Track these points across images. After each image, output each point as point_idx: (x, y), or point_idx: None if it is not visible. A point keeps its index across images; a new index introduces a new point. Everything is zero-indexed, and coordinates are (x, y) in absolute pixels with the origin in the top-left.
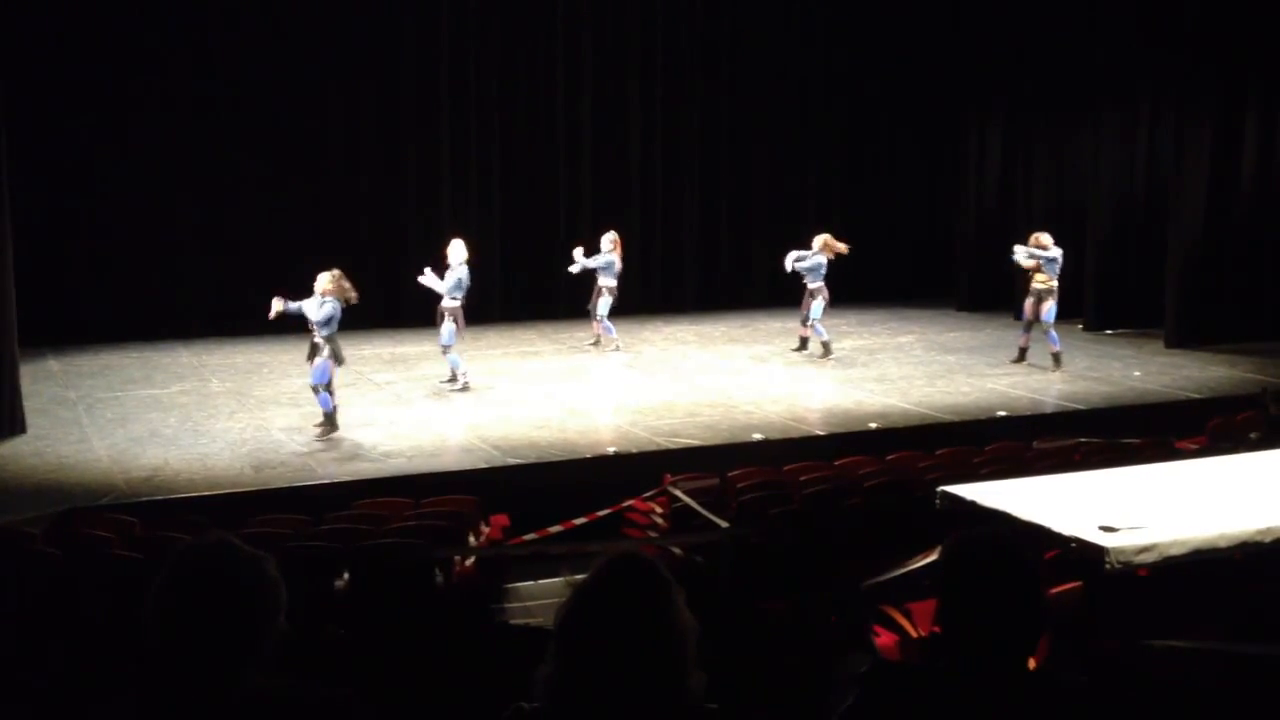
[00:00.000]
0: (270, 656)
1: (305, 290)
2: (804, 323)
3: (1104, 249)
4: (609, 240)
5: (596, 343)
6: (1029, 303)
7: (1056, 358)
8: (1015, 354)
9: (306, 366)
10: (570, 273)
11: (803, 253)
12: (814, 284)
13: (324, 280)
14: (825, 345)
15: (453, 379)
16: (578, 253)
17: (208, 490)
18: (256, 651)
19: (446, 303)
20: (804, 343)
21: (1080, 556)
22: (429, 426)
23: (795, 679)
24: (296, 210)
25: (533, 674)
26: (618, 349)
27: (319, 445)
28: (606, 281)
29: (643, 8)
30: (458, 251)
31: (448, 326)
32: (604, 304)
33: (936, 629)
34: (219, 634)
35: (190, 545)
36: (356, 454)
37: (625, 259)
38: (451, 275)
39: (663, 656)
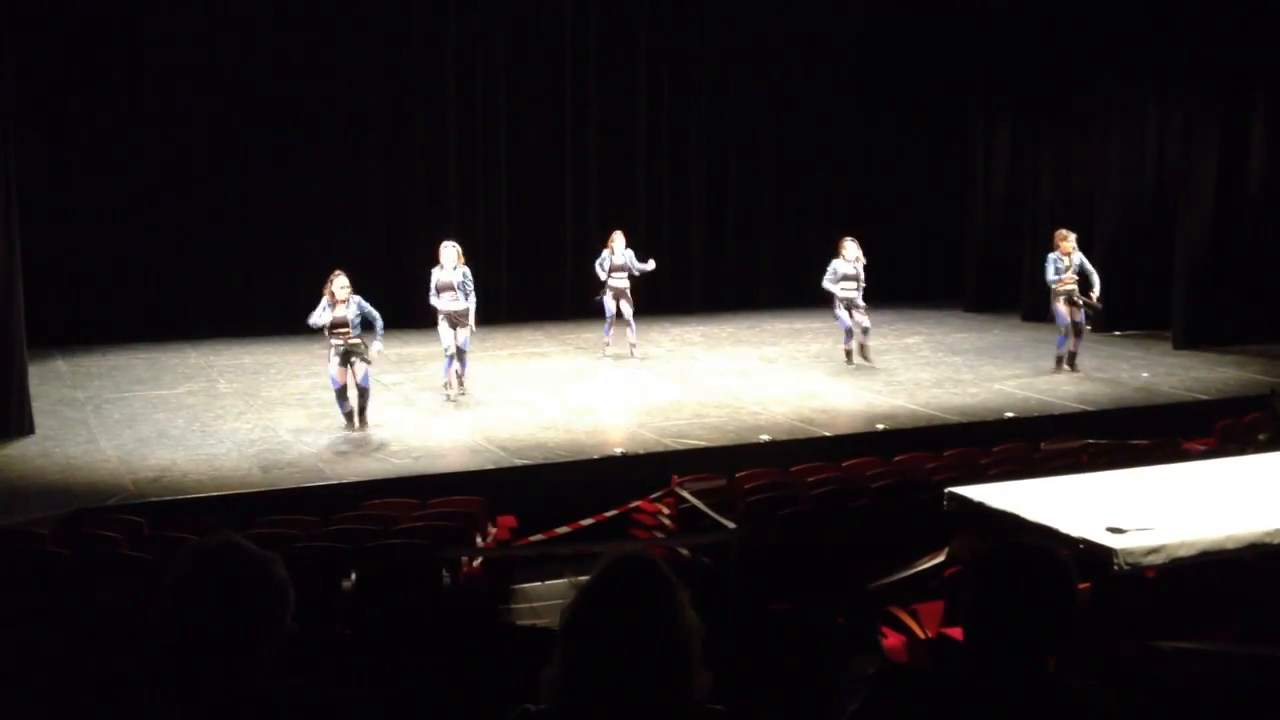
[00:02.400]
0: (278, 657)
1: (314, 293)
2: (865, 332)
3: (1112, 250)
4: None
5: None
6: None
7: (1059, 360)
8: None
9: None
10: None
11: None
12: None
13: (346, 282)
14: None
15: (460, 386)
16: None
17: (215, 491)
18: (264, 652)
19: (446, 305)
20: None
21: (1088, 558)
22: (436, 427)
23: (802, 680)
24: (304, 212)
25: (539, 675)
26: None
27: (327, 446)
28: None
29: (650, 10)
30: (451, 255)
31: (443, 329)
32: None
33: (947, 631)
34: (226, 634)
35: (197, 545)
36: (364, 454)
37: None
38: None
39: (667, 657)
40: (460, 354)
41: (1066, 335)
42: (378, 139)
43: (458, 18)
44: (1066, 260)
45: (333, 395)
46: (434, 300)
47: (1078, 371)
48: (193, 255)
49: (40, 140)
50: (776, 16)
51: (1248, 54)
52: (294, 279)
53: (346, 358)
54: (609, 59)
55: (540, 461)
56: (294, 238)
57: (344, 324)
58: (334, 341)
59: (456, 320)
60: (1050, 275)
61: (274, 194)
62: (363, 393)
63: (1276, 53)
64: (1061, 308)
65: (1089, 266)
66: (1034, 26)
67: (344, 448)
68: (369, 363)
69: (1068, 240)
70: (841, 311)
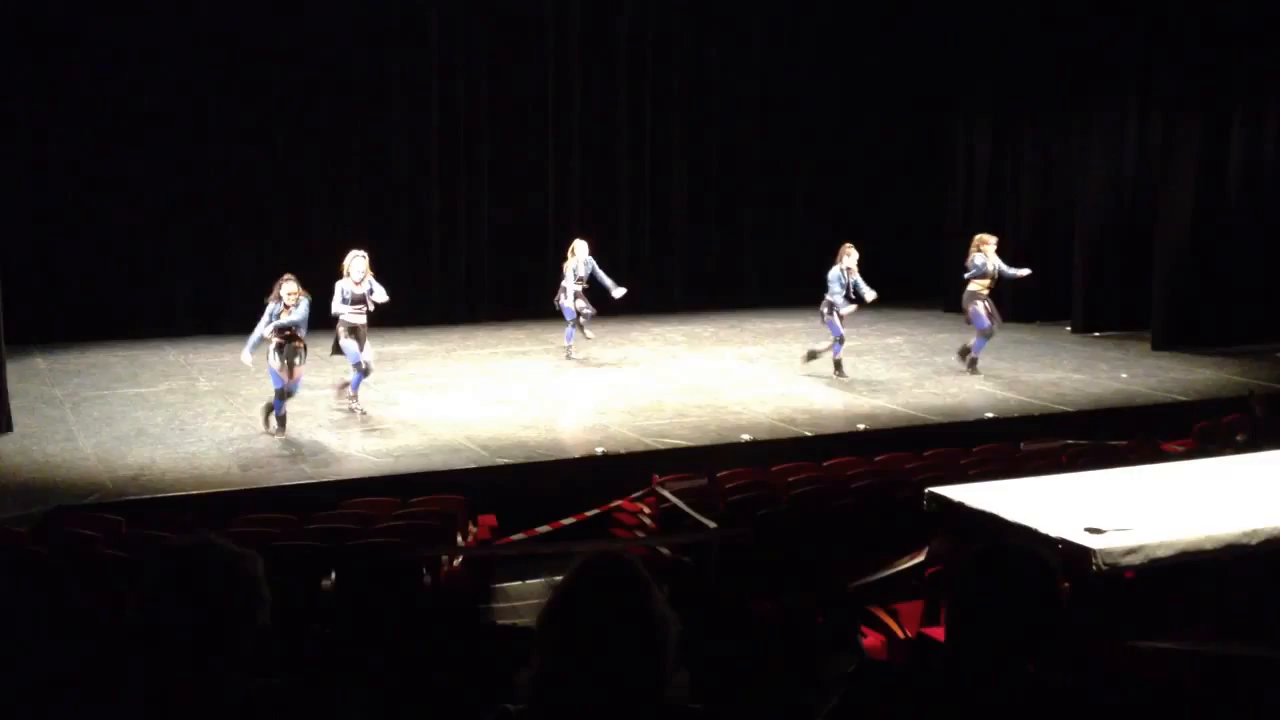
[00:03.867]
0: (255, 656)
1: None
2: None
3: (1092, 251)
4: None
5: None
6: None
7: (974, 363)
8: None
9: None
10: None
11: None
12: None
13: (295, 287)
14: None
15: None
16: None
17: (194, 489)
18: (238, 650)
19: (354, 317)
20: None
21: (1067, 558)
22: (417, 426)
23: (782, 679)
24: (283, 210)
25: (518, 675)
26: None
27: (307, 444)
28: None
29: (634, 10)
30: (361, 266)
31: (350, 343)
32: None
33: (927, 630)
34: (199, 632)
35: (169, 544)
36: (344, 453)
37: (614, 259)
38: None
39: (642, 655)
40: (365, 369)
41: (985, 338)
42: (358, 137)
43: (439, 14)
44: (991, 264)
45: (271, 394)
46: (345, 313)
47: (978, 374)
48: (172, 253)
49: (17, 137)
50: (758, 16)
51: (1227, 55)
52: (274, 277)
53: (289, 358)
54: (591, 58)
55: (521, 461)
56: (274, 236)
57: (292, 327)
58: (277, 340)
59: (362, 333)
60: (978, 273)
61: (253, 192)
62: (289, 395)
63: (1256, 54)
64: (982, 310)
65: (1005, 269)
66: (1015, 26)
67: (324, 447)
68: (302, 364)
69: (990, 244)
70: (835, 319)
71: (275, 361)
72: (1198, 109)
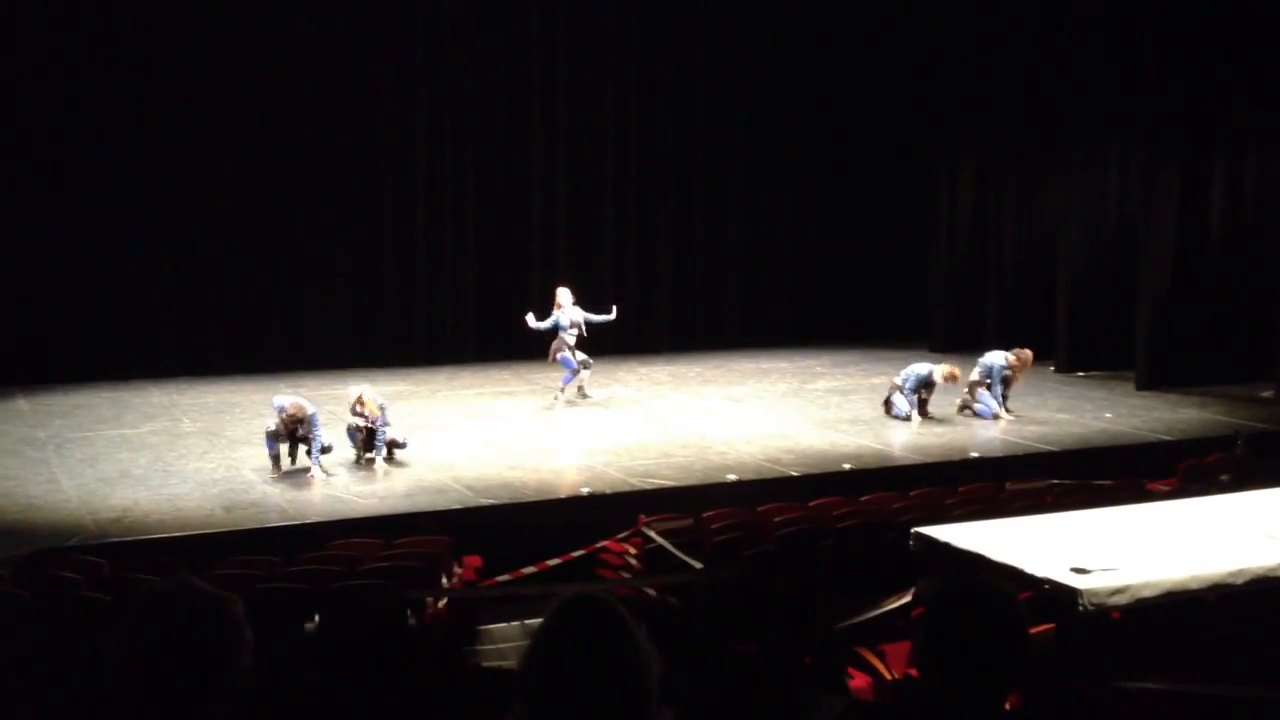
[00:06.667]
0: (235, 699)
1: (280, 332)
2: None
3: (1075, 291)
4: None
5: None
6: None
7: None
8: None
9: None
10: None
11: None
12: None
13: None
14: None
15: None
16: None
17: (178, 531)
18: (220, 694)
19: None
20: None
21: (1053, 598)
22: (402, 466)
23: None
24: (269, 249)
25: (503, 719)
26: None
27: (291, 486)
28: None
29: (618, 51)
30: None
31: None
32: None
33: (912, 672)
34: (180, 676)
35: (151, 588)
36: (328, 495)
37: (599, 299)
38: None
39: (624, 694)
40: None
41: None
42: (342, 179)
43: (425, 55)
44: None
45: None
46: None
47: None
48: (156, 294)
49: (1, 177)
50: (743, 59)
51: (1207, 97)
52: (259, 318)
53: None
54: (576, 102)
55: (507, 501)
56: (259, 277)
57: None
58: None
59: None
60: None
61: (238, 234)
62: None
63: (1235, 96)
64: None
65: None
66: (997, 70)
67: (308, 488)
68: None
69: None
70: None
71: (271, 428)
72: (1179, 151)
